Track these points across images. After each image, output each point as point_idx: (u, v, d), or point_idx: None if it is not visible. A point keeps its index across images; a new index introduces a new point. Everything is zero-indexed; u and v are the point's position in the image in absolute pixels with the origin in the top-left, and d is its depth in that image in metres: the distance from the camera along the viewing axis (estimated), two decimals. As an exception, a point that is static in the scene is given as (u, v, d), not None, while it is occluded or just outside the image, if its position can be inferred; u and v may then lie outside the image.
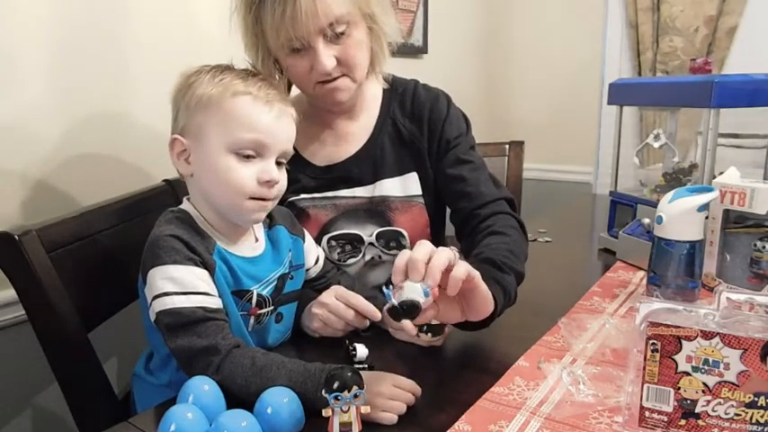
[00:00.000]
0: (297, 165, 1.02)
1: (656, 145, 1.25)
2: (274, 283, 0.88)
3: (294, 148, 1.00)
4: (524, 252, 0.96)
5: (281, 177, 0.83)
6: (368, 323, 0.90)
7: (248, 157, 0.79)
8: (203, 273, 0.77)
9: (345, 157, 1.06)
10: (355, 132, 1.07)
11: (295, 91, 1.03)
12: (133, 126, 1.29)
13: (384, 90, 1.08)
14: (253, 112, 0.79)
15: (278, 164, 0.82)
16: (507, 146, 1.78)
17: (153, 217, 0.88)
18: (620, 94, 1.35)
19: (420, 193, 1.06)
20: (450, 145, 1.06)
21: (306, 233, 0.98)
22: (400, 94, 1.08)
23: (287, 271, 0.90)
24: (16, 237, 0.80)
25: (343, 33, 0.90)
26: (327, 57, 0.90)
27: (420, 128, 1.06)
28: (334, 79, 0.93)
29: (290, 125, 0.84)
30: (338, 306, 0.88)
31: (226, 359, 0.72)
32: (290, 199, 1.04)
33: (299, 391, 0.68)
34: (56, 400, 0.85)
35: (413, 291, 0.67)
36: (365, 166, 1.05)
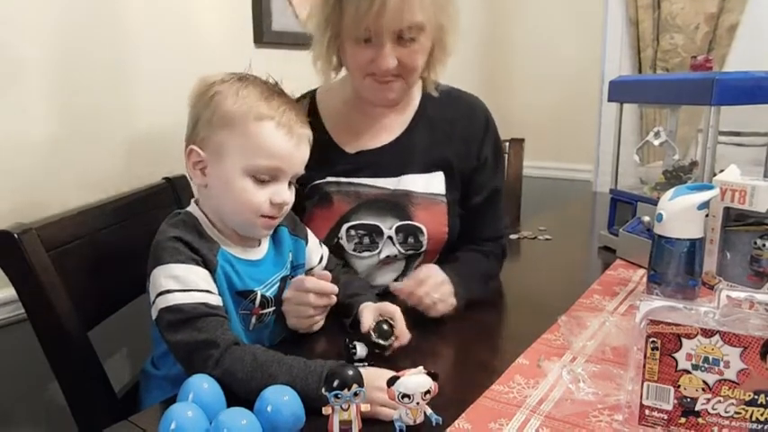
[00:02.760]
0: (327, 150, 1.05)
1: (657, 143, 1.25)
2: (277, 285, 0.89)
3: (328, 134, 1.06)
4: (497, 275, 1.15)
5: (292, 198, 0.86)
6: (334, 299, 0.89)
7: (263, 180, 0.81)
8: (204, 272, 0.79)
9: (377, 146, 1.07)
10: (391, 124, 1.09)
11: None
12: (134, 123, 1.29)
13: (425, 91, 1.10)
14: (274, 140, 0.80)
15: (289, 183, 0.85)
16: (507, 143, 1.78)
17: (153, 215, 0.88)
18: (620, 91, 1.35)
19: (443, 192, 1.07)
20: (487, 163, 1.11)
21: (309, 234, 0.99)
22: (439, 97, 1.09)
23: (288, 273, 0.92)
24: (15, 235, 0.80)
25: (413, 39, 0.94)
26: (391, 57, 0.94)
27: (456, 131, 1.09)
28: (389, 80, 0.98)
29: (306, 150, 0.86)
30: (297, 296, 0.88)
31: (226, 353, 0.73)
32: (316, 182, 1.04)
33: (300, 387, 0.68)
34: (56, 398, 0.85)
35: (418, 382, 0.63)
36: (394, 158, 1.07)
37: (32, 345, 0.84)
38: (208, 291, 0.77)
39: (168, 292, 0.75)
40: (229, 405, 0.66)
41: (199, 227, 0.83)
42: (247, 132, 0.80)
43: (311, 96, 1.11)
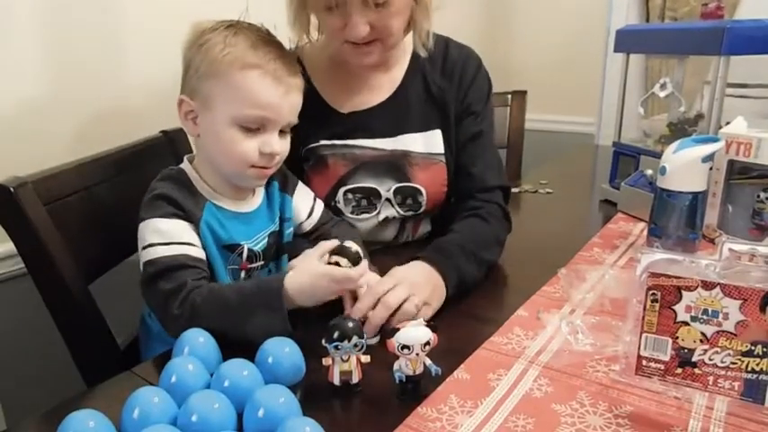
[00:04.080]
0: (319, 110, 1.02)
1: (663, 94, 1.22)
2: (266, 240, 0.89)
3: (318, 95, 1.02)
4: (500, 241, 1.00)
5: (283, 148, 0.84)
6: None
7: (252, 129, 0.80)
8: (187, 225, 0.80)
9: (370, 106, 1.04)
10: (383, 83, 1.05)
11: None
12: (128, 77, 1.26)
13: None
14: (260, 90, 0.78)
15: (281, 132, 0.83)
16: (510, 96, 1.74)
17: (150, 168, 0.87)
18: (627, 41, 1.31)
19: (442, 151, 1.05)
20: (469, 109, 1.05)
21: (299, 188, 0.97)
22: (431, 50, 1.04)
23: (278, 228, 0.92)
24: (12, 189, 0.79)
25: (384, 3, 0.87)
26: (362, 24, 0.88)
27: (450, 83, 1.05)
28: (366, 45, 0.92)
29: (296, 98, 0.84)
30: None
31: (191, 292, 0.74)
32: (310, 146, 1.02)
33: (252, 303, 0.72)
34: (60, 350, 0.86)
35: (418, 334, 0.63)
36: (389, 117, 1.04)
37: (35, 298, 0.84)
38: (189, 243, 0.78)
39: (151, 245, 0.77)
40: (225, 359, 0.66)
41: (187, 182, 0.83)
42: (233, 82, 0.78)
43: (296, 51, 1.04)
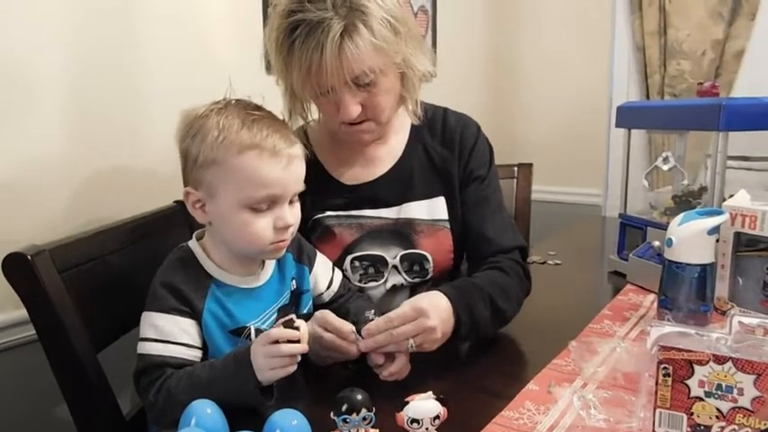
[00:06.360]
0: (325, 183, 1.04)
1: (665, 168, 1.25)
2: (274, 316, 0.87)
3: (322, 167, 1.04)
4: (518, 297, 1.00)
5: (296, 217, 0.84)
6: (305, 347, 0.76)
7: (262, 209, 0.80)
8: (186, 322, 0.79)
9: (373, 179, 1.07)
10: (384, 155, 1.08)
11: None
12: (144, 146, 1.31)
13: None
14: (261, 169, 0.78)
15: (290, 201, 0.83)
16: (516, 168, 1.78)
17: (164, 238, 0.89)
18: (627, 117, 1.36)
19: (446, 217, 1.07)
20: (473, 175, 1.08)
21: (319, 258, 0.97)
22: (430, 120, 1.09)
23: (288, 302, 0.90)
24: (29, 257, 0.81)
25: (370, 83, 0.91)
26: (352, 105, 0.92)
27: (452, 152, 1.08)
28: (359, 123, 0.96)
29: (299, 168, 0.83)
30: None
31: (168, 379, 0.75)
32: (316, 216, 1.04)
33: (222, 377, 0.73)
34: (65, 420, 0.85)
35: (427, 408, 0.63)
36: (392, 188, 1.06)
37: (45, 365, 0.84)
38: (185, 344, 0.78)
39: (146, 340, 0.78)
40: (232, 431, 0.65)
41: (193, 264, 0.83)
42: (233, 167, 0.78)
43: (303, 128, 1.09)
